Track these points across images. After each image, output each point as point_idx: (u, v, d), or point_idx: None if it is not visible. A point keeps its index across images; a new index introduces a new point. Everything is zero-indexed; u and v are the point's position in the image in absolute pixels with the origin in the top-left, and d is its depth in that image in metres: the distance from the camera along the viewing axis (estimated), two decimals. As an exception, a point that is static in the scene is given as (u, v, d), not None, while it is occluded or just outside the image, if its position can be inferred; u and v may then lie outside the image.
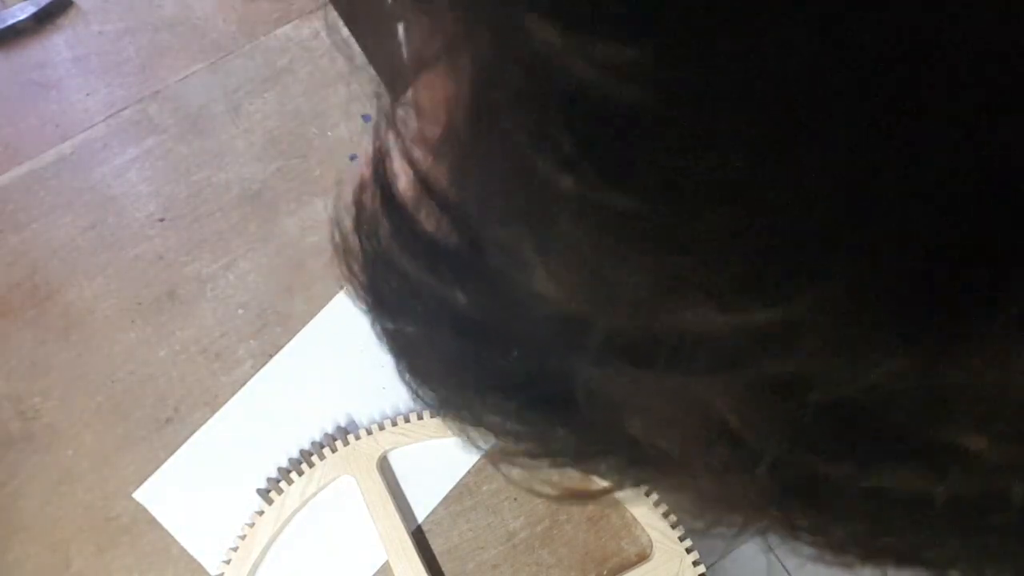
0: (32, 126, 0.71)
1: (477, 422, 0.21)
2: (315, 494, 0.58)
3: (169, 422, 0.61)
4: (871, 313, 0.11)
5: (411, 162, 0.15)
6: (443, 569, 0.58)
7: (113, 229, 0.67)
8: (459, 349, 0.17)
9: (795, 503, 0.15)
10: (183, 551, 0.58)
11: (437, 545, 0.58)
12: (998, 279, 0.11)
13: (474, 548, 0.58)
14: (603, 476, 0.21)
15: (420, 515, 0.59)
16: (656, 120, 0.11)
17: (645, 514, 0.57)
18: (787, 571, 1.40)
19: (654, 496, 0.57)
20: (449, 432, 0.58)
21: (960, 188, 0.10)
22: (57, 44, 0.75)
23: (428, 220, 0.15)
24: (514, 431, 0.20)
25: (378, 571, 0.57)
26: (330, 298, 0.64)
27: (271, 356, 0.63)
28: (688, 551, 0.56)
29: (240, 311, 0.64)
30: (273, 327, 0.64)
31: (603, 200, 0.12)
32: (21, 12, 0.75)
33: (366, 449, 0.58)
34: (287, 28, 0.75)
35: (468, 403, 0.20)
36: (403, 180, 0.15)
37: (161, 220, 0.68)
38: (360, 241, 0.17)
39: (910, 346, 0.12)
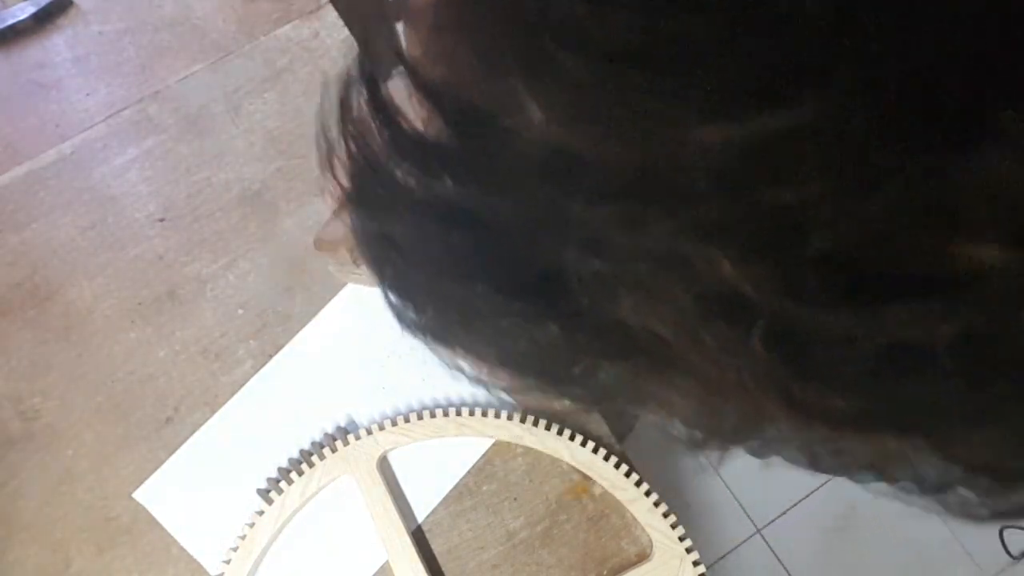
0: (32, 126, 0.71)
1: (459, 347, 0.20)
2: (315, 494, 0.58)
3: (169, 422, 0.61)
4: (876, 117, 0.11)
5: (399, 53, 0.15)
6: (443, 569, 0.58)
7: (113, 229, 0.67)
8: (445, 245, 0.17)
9: (792, 374, 0.14)
10: (183, 551, 0.58)
11: (437, 545, 0.58)
12: (1010, 73, 0.11)
13: (474, 548, 0.58)
14: (592, 398, 0.20)
15: (420, 515, 0.59)
16: None
17: (645, 514, 0.57)
18: (787, 571, 1.40)
19: (654, 496, 0.57)
20: (449, 432, 0.58)
21: None
22: (57, 44, 0.75)
23: (416, 112, 0.15)
24: (497, 353, 0.19)
25: (378, 571, 0.57)
26: (330, 298, 0.64)
27: (271, 356, 0.63)
28: (688, 551, 0.56)
29: (240, 311, 0.64)
30: (273, 327, 0.64)
31: (600, 25, 0.12)
32: (21, 12, 0.75)
33: (366, 449, 0.58)
34: (287, 28, 0.75)
35: (450, 326, 0.19)
36: (393, 81, 0.15)
37: (161, 220, 0.68)
38: (345, 141, 0.17)
39: (918, 150, 0.11)
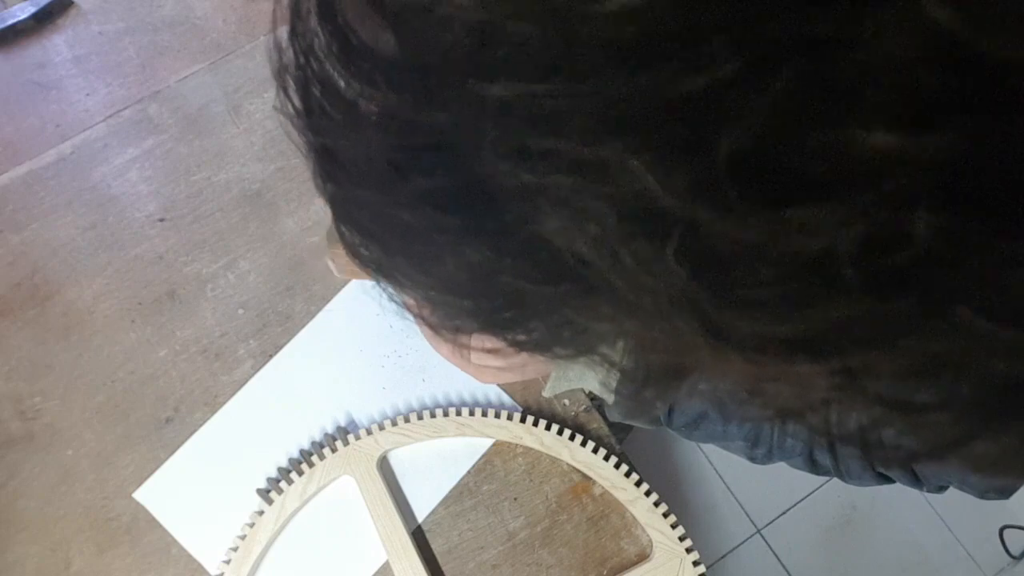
0: (32, 126, 0.71)
1: (401, 276, 0.20)
2: (315, 494, 0.58)
3: (169, 422, 0.61)
4: None
5: None
6: (443, 569, 0.58)
7: (113, 229, 0.67)
8: (384, 159, 0.17)
9: (707, 295, 0.14)
10: (183, 551, 0.58)
11: (437, 545, 0.58)
12: None
13: (474, 548, 0.58)
14: (525, 340, 0.20)
15: (420, 515, 0.59)
16: None
17: (645, 514, 0.57)
18: (787, 571, 1.40)
19: (654, 496, 0.57)
20: (449, 432, 0.58)
21: None
22: (57, 44, 0.75)
23: (364, 27, 0.15)
24: (434, 281, 0.19)
25: (378, 571, 0.57)
26: (330, 298, 0.64)
27: (271, 356, 0.63)
28: (688, 551, 0.56)
29: (240, 311, 0.64)
30: (273, 327, 0.64)
31: None
32: (21, 12, 0.75)
33: (366, 449, 0.58)
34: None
35: (392, 252, 0.20)
36: None
37: (161, 220, 0.68)
38: (294, 51, 0.17)
39: (817, 19, 0.11)
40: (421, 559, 0.56)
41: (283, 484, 0.57)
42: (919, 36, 0.11)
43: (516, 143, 0.14)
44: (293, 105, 0.18)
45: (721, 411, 0.48)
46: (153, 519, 0.58)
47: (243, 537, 0.56)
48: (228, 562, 0.56)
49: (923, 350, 0.14)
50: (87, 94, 0.73)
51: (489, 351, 0.47)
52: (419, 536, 0.58)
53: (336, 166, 0.18)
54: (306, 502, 0.58)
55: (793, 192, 0.12)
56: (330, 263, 0.45)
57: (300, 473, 0.58)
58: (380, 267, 0.21)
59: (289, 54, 0.17)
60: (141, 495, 0.59)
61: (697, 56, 0.12)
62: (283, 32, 0.18)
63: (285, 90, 0.18)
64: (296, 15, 0.17)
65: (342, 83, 0.16)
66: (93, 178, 0.69)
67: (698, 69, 0.12)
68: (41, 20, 0.76)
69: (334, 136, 0.18)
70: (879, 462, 0.43)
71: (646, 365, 0.20)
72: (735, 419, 0.48)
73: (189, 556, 0.57)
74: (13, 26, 0.75)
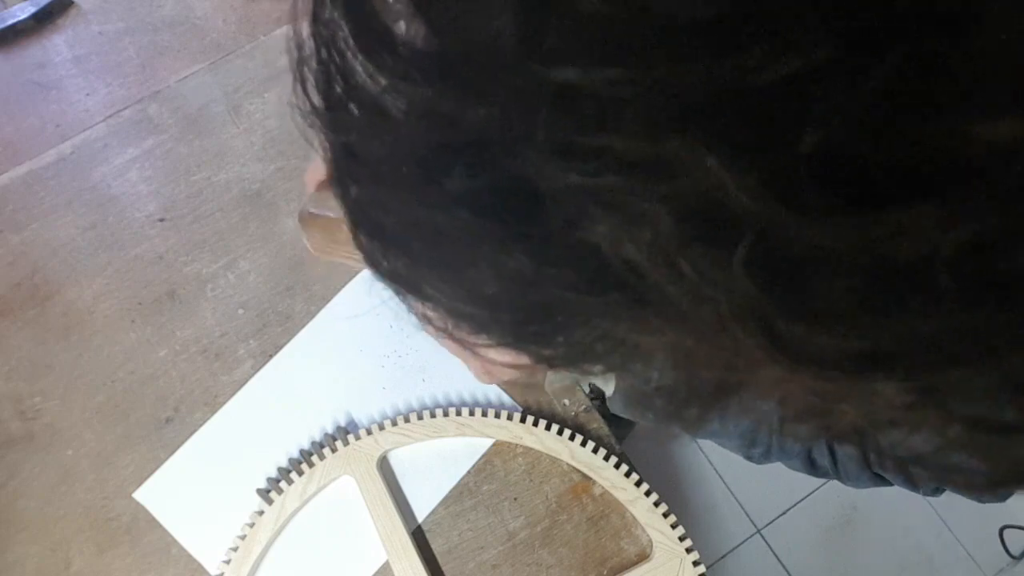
0: (32, 126, 0.71)
1: (427, 287, 0.19)
2: (315, 494, 0.58)
3: (169, 422, 0.61)
4: None
5: None
6: (443, 569, 0.58)
7: (113, 229, 0.67)
8: (414, 158, 0.15)
9: (777, 306, 0.13)
10: (183, 551, 0.58)
11: (437, 545, 0.58)
12: None
13: (474, 548, 0.58)
14: (561, 354, 0.18)
15: (420, 515, 0.59)
16: None
17: (645, 514, 0.57)
18: (787, 571, 1.40)
19: (654, 496, 0.57)
20: (449, 432, 0.58)
21: None
22: (57, 44, 0.75)
23: (394, 16, 0.14)
24: (465, 293, 0.18)
25: (378, 571, 0.57)
26: (330, 298, 0.64)
27: (271, 356, 0.63)
28: (688, 551, 0.56)
29: (240, 311, 0.64)
30: (273, 327, 0.64)
31: None
32: (21, 12, 0.75)
33: (366, 449, 0.58)
34: (287, 28, 0.75)
35: (417, 262, 0.18)
36: None
37: (161, 220, 0.68)
38: (316, 45, 0.16)
39: (918, 15, 0.10)
40: (421, 559, 0.56)
41: (283, 484, 0.57)
42: None
43: (567, 138, 0.13)
44: (312, 102, 0.17)
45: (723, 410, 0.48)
46: (153, 519, 0.58)
47: (243, 537, 0.56)
48: (228, 562, 0.56)
49: (1019, 367, 0.13)
50: (87, 94, 0.73)
51: (512, 366, 0.45)
52: (419, 536, 0.58)
53: (360, 166, 0.17)
54: (306, 502, 0.58)
55: (890, 191, 0.11)
56: (305, 241, 0.44)
57: (300, 473, 0.58)
58: (402, 278, 0.19)
59: (310, 46, 0.16)
60: (141, 495, 0.59)
61: (786, 38, 0.11)
62: (303, 24, 0.16)
63: (303, 85, 0.17)
64: (319, 4, 0.16)
65: (368, 77, 0.15)
66: (93, 178, 0.69)
67: (787, 53, 0.11)
68: (41, 20, 0.76)
69: (359, 134, 0.16)
70: (933, 484, 0.39)
71: (692, 382, 0.18)
72: (733, 417, 0.48)
73: (189, 556, 0.57)
74: (13, 26, 0.75)
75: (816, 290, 0.13)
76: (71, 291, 0.65)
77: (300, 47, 0.17)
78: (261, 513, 0.57)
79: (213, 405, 0.61)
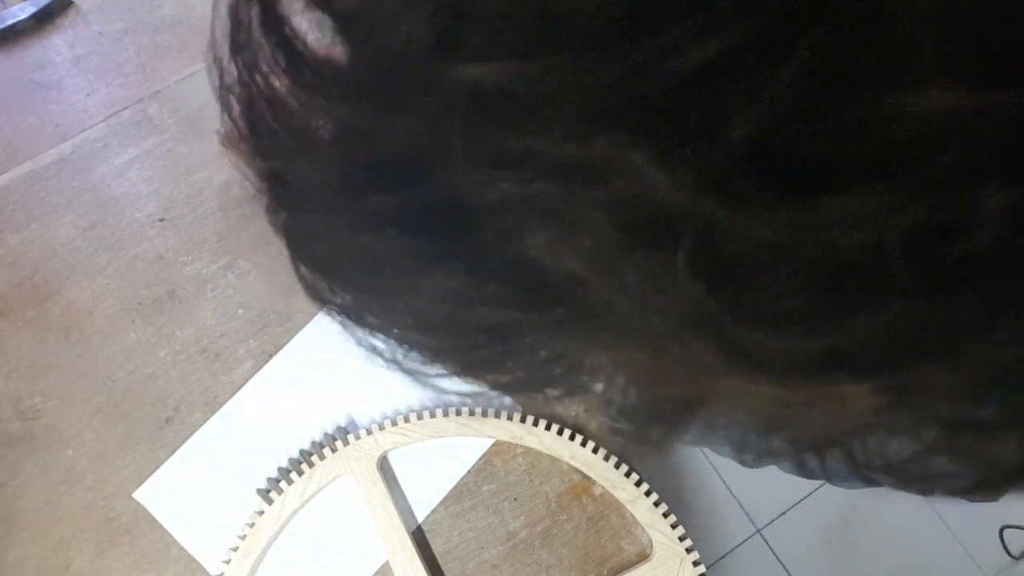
0: (32, 126, 0.71)
1: (371, 316, 0.18)
2: (315, 494, 0.58)
3: (169, 422, 0.61)
4: None
5: None
6: (443, 569, 0.58)
7: (113, 229, 0.67)
8: (343, 179, 0.15)
9: (726, 307, 0.12)
10: (183, 551, 0.58)
11: (437, 545, 0.58)
12: None
13: (474, 548, 0.58)
14: (517, 380, 0.17)
15: (420, 515, 0.59)
16: None
17: (645, 514, 0.57)
18: (787, 571, 1.40)
19: (654, 496, 0.57)
20: (449, 432, 0.58)
21: None
22: (57, 44, 0.75)
23: (312, 33, 0.14)
24: (410, 319, 0.17)
25: (378, 571, 0.57)
26: (330, 298, 0.64)
27: (271, 356, 0.63)
28: (688, 551, 0.56)
29: (240, 311, 0.64)
30: (273, 327, 0.64)
31: None
32: (21, 12, 0.75)
33: (366, 449, 0.58)
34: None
35: (357, 288, 0.17)
36: None
37: (161, 220, 0.68)
38: (237, 66, 0.15)
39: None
40: (421, 559, 0.56)
41: (283, 484, 0.57)
42: None
43: (491, 145, 0.12)
44: (239, 128, 0.16)
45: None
46: (153, 519, 0.58)
47: (243, 537, 0.56)
48: (228, 562, 0.56)
49: (989, 359, 0.12)
50: (87, 94, 0.73)
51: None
52: (419, 536, 0.58)
53: (290, 192, 0.16)
54: (306, 502, 0.58)
55: (826, 177, 0.10)
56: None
57: (300, 473, 0.58)
58: (347, 308, 0.18)
59: (232, 71, 0.15)
60: (141, 495, 0.59)
61: (703, 18, 0.10)
62: (224, 49, 0.16)
63: (229, 112, 0.16)
64: (238, 28, 0.15)
65: (292, 99, 0.14)
66: (93, 178, 0.69)
67: (704, 34, 0.10)
68: (41, 20, 0.76)
69: (286, 158, 0.16)
70: (926, 491, 0.39)
71: (652, 400, 0.18)
72: (714, 428, 0.47)
73: (189, 556, 0.57)
74: (13, 26, 0.75)
75: (765, 290, 0.12)
76: (71, 291, 0.65)
77: (222, 74, 0.16)
78: (261, 513, 0.57)
79: (213, 405, 0.61)
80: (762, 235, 0.11)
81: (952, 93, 0.09)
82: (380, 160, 0.14)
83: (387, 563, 0.56)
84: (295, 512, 0.58)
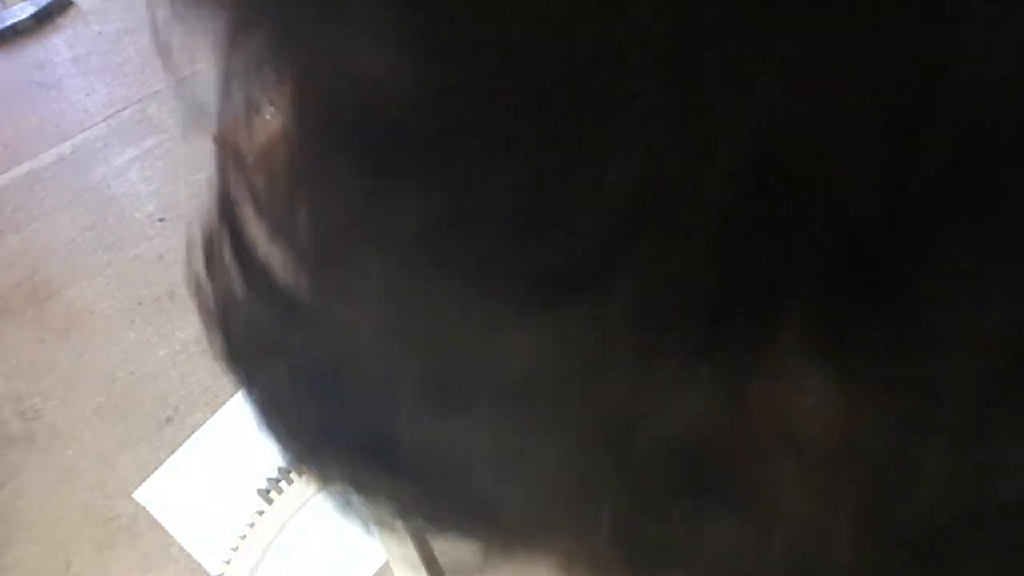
0: (32, 126, 0.71)
1: (331, 479, 0.19)
2: (315, 494, 0.58)
3: (169, 422, 0.61)
4: (660, 327, 0.10)
5: (255, 201, 0.13)
6: (443, 569, 0.58)
7: (113, 229, 0.67)
8: (300, 403, 0.16)
9: (644, 567, 0.13)
10: (183, 551, 0.58)
11: (437, 545, 0.58)
12: (779, 296, 0.10)
13: (474, 548, 0.58)
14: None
15: (420, 515, 0.59)
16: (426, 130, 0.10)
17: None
18: (787, 571, 1.40)
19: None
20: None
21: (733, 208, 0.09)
22: (57, 44, 0.76)
23: (279, 265, 0.14)
24: (366, 488, 0.18)
25: (378, 571, 0.57)
26: (330, 298, 0.64)
27: (271, 356, 0.63)
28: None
29: (240, 311, 0.64)
30: (273, 327, 0.64)
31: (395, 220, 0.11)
32: (21, 12, 0.75)
33: (366, 449, 0.58)
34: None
35: (319, 462, 0.18)
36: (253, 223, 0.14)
37: (161, 220, 0.68)
38: (213, 292, 0.16)
39: (704, 362, 0.10)
40: (421, 559, 0.56)
41: (283, 484, 0.57)
42: None
43: (430, 403, 0.13)
44: (228, 355, 0.17)
45: None
46: (153, 519, 0.58)
47: (243, 537, 0.56)
48: (228, 562, 0.56)
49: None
50: (87, 94, 0.73)
51: None
52: (419, 536, 0.58)
53: (265, 406, 0.17)
54: (306, 502, 0.58)
55: (710, 500, 0.12)
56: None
57: (300, 473, 0.58)
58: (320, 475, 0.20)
59: (208, 294, 0.16)
60: (141, 495, 0.59)
61: (598, 361, 0.10)
62: (197, 263, 0.17)
63: (211, 322, 0.17)
64: (210, 254, 0.16)
65: (262, 323, 0.15)
66: (93, 178, 0.69)
67: (598, 378, 0.11)
68: (41, 20, 0.76)
69: (259, 376, 0.17)
70: None
71: None
72: None
73: (189, 556, 0.57)
74: (13, 26, 0.75)
75: (676, 561, 0.13)
76: (71, 291, 0.65)
77: (198, 281, 0.16)
78: (261, 513, 0.57)
79: (213, 405, 0.61)
80: (665, 530, 0.12)
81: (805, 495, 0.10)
82: (331, 394, 0.15)
83: (387, 563, 0.56)
84: (295, 512, 0.58)
